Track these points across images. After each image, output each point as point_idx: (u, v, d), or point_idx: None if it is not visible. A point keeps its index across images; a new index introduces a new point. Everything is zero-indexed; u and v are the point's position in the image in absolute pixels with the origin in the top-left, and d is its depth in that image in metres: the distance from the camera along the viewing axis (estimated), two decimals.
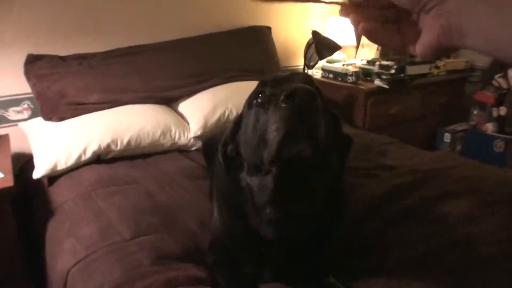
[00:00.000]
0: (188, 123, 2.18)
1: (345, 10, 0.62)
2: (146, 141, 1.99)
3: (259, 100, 0.87)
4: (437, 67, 3.28)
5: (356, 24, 0.60)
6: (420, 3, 0.52)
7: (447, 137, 3.28)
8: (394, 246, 1.29)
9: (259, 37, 2.89)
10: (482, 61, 3.42)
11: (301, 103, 0.73)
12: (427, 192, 1.59)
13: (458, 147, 3.24)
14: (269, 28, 2.99)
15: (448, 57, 3.54)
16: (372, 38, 0.60)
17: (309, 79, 0.93)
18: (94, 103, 2.15)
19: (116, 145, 1.92)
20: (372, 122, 2.84)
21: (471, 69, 3.55)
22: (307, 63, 3.05)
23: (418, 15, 0.54)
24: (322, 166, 0.90)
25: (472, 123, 3.22)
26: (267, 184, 0.90)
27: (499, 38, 0.46)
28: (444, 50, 0.53)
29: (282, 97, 0.73)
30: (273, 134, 0.77)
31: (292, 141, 0.76)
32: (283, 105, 0.73)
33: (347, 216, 1.27)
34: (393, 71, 2.88)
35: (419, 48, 0.55)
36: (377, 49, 3.16)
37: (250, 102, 0.94)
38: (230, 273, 1.12)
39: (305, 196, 0.93)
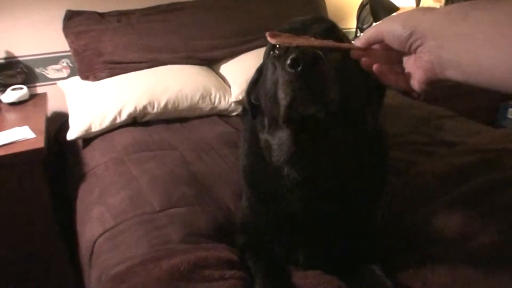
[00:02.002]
0: (229, 86, 2.04)
1: (357, 54, 0.71)
2: (184, 104, 1.88)
3: (276, 52, 0.84)
4: None
5: (367, 65, 0.70)
6: (407, 44, 0.62)
7: (511, 113, 2.99)
8: (455, 237, 1.13)
9: None
10: None
11: (306, 68, 0.69)
12: (494, 176, 1.39)
13: None
14: None
15: None
16: (383, 79, 0.69)
17: (332, 27, 0.86)
18: (132, 62, 2.05)
19: (153, 108, 1.82)
20: (429, 92, 2.59)
21: None
22: (360, 25, 2.83)
23: (410, 54, 0.64)
24: (344, 123, 0.82)
25: None
26: (284, 141, 0.85)
27: (473, 69, 0.53)
28: (434, 83, 0.62)
29: (288, 62, 0.69)
30: (281, 97, 0.74)
31: (301, 105, 0.74)
32: (289, 70, 0.70)
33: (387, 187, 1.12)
34: None
35: (415, 84, 0.65)
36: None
37: (267, 52, 0.90)
38: (260, 256, 1.02)
39: (328, 153, 0.86)
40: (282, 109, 0.75)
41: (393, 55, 0.68)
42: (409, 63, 0.66)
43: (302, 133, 0.81)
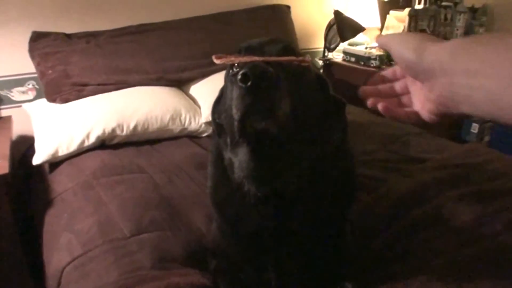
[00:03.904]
0: (199, 107, 2.05)
1: (364, 94, 0.71)
2: (154, 126, 1.86)
3: (233, 70, 0.82)
4: None
5: (374, 105, 0.68)
6: (416, 71, 0.60)
7: (474, 128, 3.09)
8: (421, 253, 1.15)
9: (278, 17, 2.72)
10: None
11: (256, 83, 0.70)
12: (460, 191, 1.44)
13: (486, 138, 3.05)
14: (288, 7, 2.82)
15: None
16: (392, 116, 0.67)
17: (287, 47, 0.87)
18: (101, 84, 2.03)
19: (122, 130, 1.80)
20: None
21: None
22: (327, 45, 2.90)
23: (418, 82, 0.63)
24: (301, 139, 0.83)
25: None
26: (243, 157, 0.85)
27: (489, 106, 0.51)
28: (447, 116, 0.60)
29: (239, 77, 0.70)
30: (234, 112, 0.75)
31: (252, 119, 0.74)
32: (240, 84, 0.70)
33: (354, 205, 1.12)
34: None
35: (426, 115, 0.63)
36: (403, 30, 2.96)
37: (227, 71, 0.90)
38: (232, 281, 1.02)
39: (287, 169, 0.86)
40: (235, 124, 0.76)
41: (401, 85, 0.68)
42: (418, 94, 0.65)
43: (259, 149, 0.82)
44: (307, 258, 0.98)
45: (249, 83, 0.69)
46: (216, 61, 0.77)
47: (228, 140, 0.90)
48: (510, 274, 1.06)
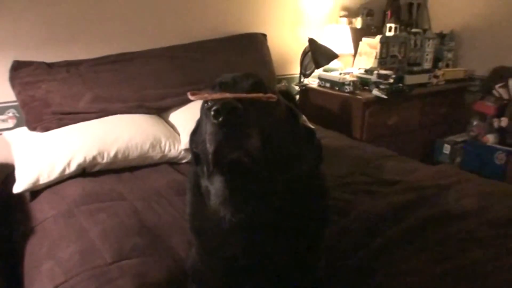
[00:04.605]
0: (179, 134, 2.10)
1: None
2: (134, 153, 1.90)
3: (208, 104, 0.88)
4: (435, 77, 3.22)
5: None
6: None
7: (446, 149, 3.21)
8: (394, 272, 1.21)
9: (254, 45, 2.81)
10: (481, 70, 3.38)
11: (227, 119, 0.76)
12: (430, 212, 1.52)
13: (458, 159, 3.16)
14: (264, 36, 2.92)
15: (447, 66, 3.49)
16: None
17: (258, 82, 0.93)
18: (82, 113, 2.06)
19: (103, 158, 1.83)
20: (370, 132, 2.77)
21: (471, 78, 3.48)
22: (303, 71, 2.99)
23: None
24: (272, 167, 0.88)
25: (472, 134, 3.15)
26: (218, 185, 0.91)
27: None
28: None
29: (212, 113, 0.77)
30: (209, 144, 0.81)
31: (225, 151, 0.80)
32: (213, 120, 0.77)
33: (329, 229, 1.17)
34: (391, 80, 2.82)
35: None
36: (375, 57, 3.09)
37: (202, 105, 0.95)
38: None
39: (260, 195, 0.91)
40: (210, 156, 0.82)
41: None
42: None
43: (233, 177, 0.87)
44: (283, 281, 1.02)
45: (220, 119, 0.76)
46: (191, 97, 0.84)
47: (205, 168, 0.95)
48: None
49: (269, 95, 0.85)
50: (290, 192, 0.96)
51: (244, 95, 0.83)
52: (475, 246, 1.31)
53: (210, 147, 0.80)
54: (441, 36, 3.52)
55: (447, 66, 3.51)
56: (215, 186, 0.91)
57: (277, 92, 0.98)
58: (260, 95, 0.85)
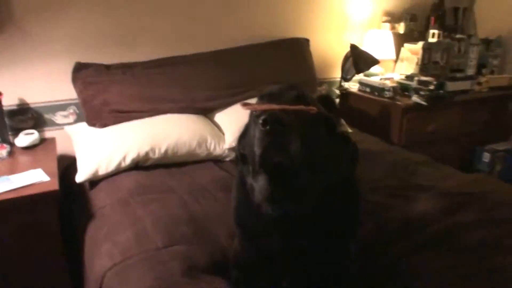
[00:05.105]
0: (223, 134, 2.24)
1: None
2: (182, 150, 2.06)
3: (256, 112, 1.00)
4: (479, 83, 3.20)
5: None
6: None
7: (486, 157, 3.19)
8: (422, 272, 1.29)
9: (297, 49, 2.91)
10: None
11: (273, 128, 0.88)
12: (460, 218, 1.58)
13: (498, 168, 3.15)
14: (307, 40, 3.01)
15: (492, 72, 3.44)
16: None
17: (301, 94, 1.06)
18: (135, 111, 2.24)
19: (154, 154, 2.00)
20: (408, 138, 2.81)
21: None
22: (344, 76, 3.06)
23: None
24: (310, 171, 1.00)
25: None
26: (262, 184, 1.01)
27: None
28: None
29: (260, 122, 0.89)
30: (256, 148, 0.93)
31: (270, 155, 0.92)
32: (261, 128, 0.89)
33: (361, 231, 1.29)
34: (432, 87, 2.84)
35: None
36: (416, 63, 3.11)
37: (251, 112, 1.08)
38: None
39: (298, 195, 1.02)
40: (256, 158, 0.94)
41: None
42: None
43: (275, 177, 0.99)
44: (316, 272, 1.14)
45: (268, 127, 0.88)
46: (243, 108, 0.97)
47: (250, 168, 1.08)
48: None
49: (309, 107, 0.96)
50: (326, 193, 1.07)
51: (288, 106, 0.95)
52: (501, 253, 1.36)
53: (257, 150, 0.92)
54: (487, 42, 3.48)
55: (492, 73, 3.46)
56: (259, 184, 1.03)
57: (317, 104, 1.10)
58: (302, 107, 0.96)
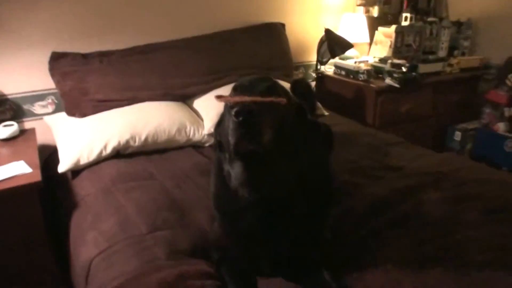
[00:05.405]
0: (202, 120, 2.29)
1: None
2: (162, 137, 2.10)
3: (229, 104, 1.07)
4: (450, 65, 3.29)
5: None
6: None
7: (457, 136, 3.31)
8: (390, 248, 1.38)
9: (273, 34, 2.95)
10: (498, 59, 3.36)
11: (245, 119, 0.95)
12: (428, 196, 1.67)
13: (469, 146, 3.27)
14: (283, 25, 3.06)
15: (463, 54, 3.55)
16: None
17: (272, 86, 1.12)
18: (114, 100, 2.26)
19: (135, 141, 2.04)
20: (382, 119, 2.91)
21: (486, 66, 3.50)
22: (320, 59, 3.13)
23: None
24: (283, 155, 1.08)
25: (484, 122, 3.24)
26: (238, 170, 1.08)
27: None
28: None
29: (233, 113, 0.96)
30: (230, 138, 1.01)
31: (243, 143, 1.00)
32: (235, 119, 0.96)
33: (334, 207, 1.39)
34: (404, 69, 2.92)
35: None
36: (390, 46, 3.19)
37: (225, 104, 1.14)
38: (232, 269, 1.26)
39: (273, 179, 1.10)
40: (231, 147, 1.01)
41: None
42: None
43: (250, 163, 1.07)
44: (292, 251, 1.21)
45: (240, 118, 0.95)
46: (217, 100, 1.03)
47: (227, 155, 1.14)
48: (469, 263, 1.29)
49: (279, 99, 1.03)
50: (299, 176, 1.15)
51: (259, 98, 1.01)
52: (461, 229, 1.46)
53: (231, 140, 1.00)
54: (458, 24, 3.56)
55: (463, 54, 3.55)
56: (235, 171, 1.10)
57: (289, 93, 1.17)
58: (272, 98, 1.03)
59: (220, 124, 1.22)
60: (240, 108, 0.95)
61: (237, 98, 1.02)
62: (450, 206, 1.58)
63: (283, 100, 1.05)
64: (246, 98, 1.01)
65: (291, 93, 1.23)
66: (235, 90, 1.13)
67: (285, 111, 1.09)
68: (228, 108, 1.08)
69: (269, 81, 1.14)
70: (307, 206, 1.21)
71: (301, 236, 1.22)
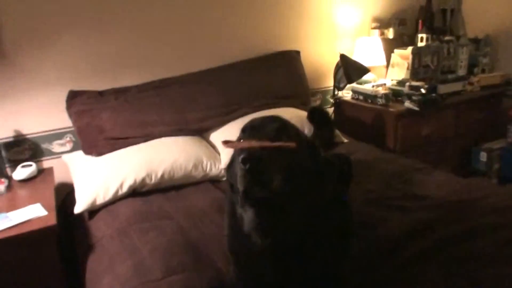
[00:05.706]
0: (219, 154, 2.26)
1: None
2: (179, 173, 2.08)
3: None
4: (470, 83, 3.22)
5: None
6: None
7: (483, 156, 3.21)
8: (413, 284, 1.31)
9: (288, 62, 2.94)
10: None
11: (253, 166, 0.92)
12: (453, 229, 1.59)
13: (496, 166, 3.16)
14: (298, 52, 3.04)
15: (483, 71, 3.47)
16: None
17: (282, 127, 1.08)
18: (130, 138, 2.26)
19: (151, 179, 2.02)
20: (403, 144, 2.83)
21: (508, 82, 3.42)
22: (336, 85, 3.08)
23: None
24: (295, 198, 1.03)
25: (510, 140, 3.14)
26: (249, 215, 1.04)
27: None
28: None
29: (240, 161, 0.92)
30: (239, 185, 0.97)
31: (252, 192, 0.96)
32: (242, 166, 0.92)
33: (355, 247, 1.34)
34: (423, 91, 2.86)
35: None
36: (407, 68, 3.14)
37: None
38: None
39: (286, 224, 1.05)
40: (240, 194, 0.98)
41: None
42: None
43: (261, 209, 1.02)
44: None
45: (247, 166, 0.92)
46: (224, 146, 1.00)
47: (239, 198, 1.10)
48: None
49: (288, 144, 0.99)
50: (313, 216, 1.10)
51: (267, 143, 0.97)
52: (495, 263, 1.37)
53: (240, 187, 0.96)
54: (476, 41, 3.51)
55: (483, 71, 3.48)
56: (247, 215, 1.06)
57: (300, 133, 1.13)
58: (281, 144, 0.99)
59: (231, 165, 1.18)
60: (247, 155, 0.92)
61: (244, 144, 0.99)
62: (472, 240, 1.50)
63: (292, 144, 1.00)
64: (254, 144, 0.97)
65: (302, 132, 1.19)
66: (243, 132, 1.10)
67: (295, 153, 1.04)
68: (236, 152, 1.05)
69: (278, 122, 1.10)
70: (324, 245, 1.15)
71: (317, 277, 1.16)
